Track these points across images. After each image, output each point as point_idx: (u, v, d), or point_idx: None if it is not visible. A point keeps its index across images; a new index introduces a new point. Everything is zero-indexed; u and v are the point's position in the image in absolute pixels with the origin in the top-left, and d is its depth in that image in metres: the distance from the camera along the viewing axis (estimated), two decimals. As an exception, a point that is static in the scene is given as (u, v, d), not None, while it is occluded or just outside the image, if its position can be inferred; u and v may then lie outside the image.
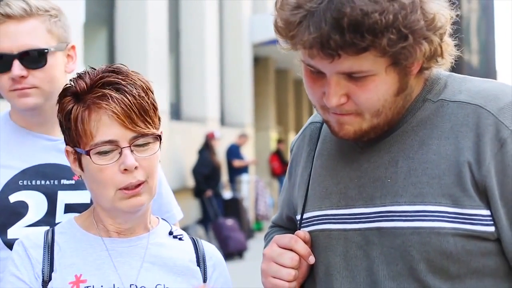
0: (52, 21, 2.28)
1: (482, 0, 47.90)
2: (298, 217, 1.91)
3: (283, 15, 1.64)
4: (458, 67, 1.82)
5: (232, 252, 12.27)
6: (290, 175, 2.02)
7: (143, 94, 1.87)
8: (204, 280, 1.98)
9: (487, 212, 1.68)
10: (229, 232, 12.41)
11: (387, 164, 1.77)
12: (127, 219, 1.95)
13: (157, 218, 2.06)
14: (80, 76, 1.90)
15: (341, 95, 1.68)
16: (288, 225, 2.06)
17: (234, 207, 14.08)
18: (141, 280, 1.91)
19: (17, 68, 2.22)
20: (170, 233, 2.02)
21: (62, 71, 2.31)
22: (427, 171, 1.72)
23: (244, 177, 15.35)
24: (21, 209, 2.24)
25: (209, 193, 13.08)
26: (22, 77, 2.23)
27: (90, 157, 1.86)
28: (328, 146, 1.89)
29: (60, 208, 2.26)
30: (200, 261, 2.00)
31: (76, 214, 2.07)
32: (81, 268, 1.90)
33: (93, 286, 1.88)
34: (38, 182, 2.28)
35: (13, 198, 2.25)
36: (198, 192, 13.17)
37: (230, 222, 12.79)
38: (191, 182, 13.30)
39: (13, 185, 2.26)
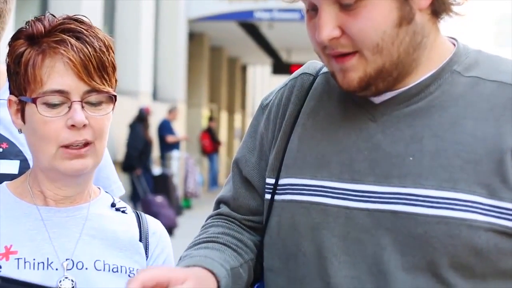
0: None
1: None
2: (271, 181, 1.68)
3: None
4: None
5: (161, 229, 12.18)
6: (257, 129, 1.78)
7: (104, 49, 1.69)
8: (147, 256, 1.82)
9: None
10: (159, 208, 12.27)
11: (408, 140, 1.54)
12: (67, 184, 1.75)
13: (99, 188, 1.88)
14: (38, 19, 1.70)
15: (333, 27, 1.51)
16: (243, 192, 1.77)
17: (163, 184, 13.96)
18: (78, 254, 1.72)
19: None
20: (113, 205, 1.85)
21: None
22: (460, 154, 1.51)
23: (174, 154, 15.24)
24: None
25: (138, 171, 12.93)
26: None
27: (36, 106, 1.66)
28: (326, 105, 1.66)
29: None
30: (143, 236, 1.83)
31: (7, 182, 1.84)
32: (11, 239, 1.69)
33: (24, 259, 1.68)
34: None
35: None
36: (127, 167, 13.00)
37: (159, 199, 12.66)
38: (120, 156, 13.12)
39: None
